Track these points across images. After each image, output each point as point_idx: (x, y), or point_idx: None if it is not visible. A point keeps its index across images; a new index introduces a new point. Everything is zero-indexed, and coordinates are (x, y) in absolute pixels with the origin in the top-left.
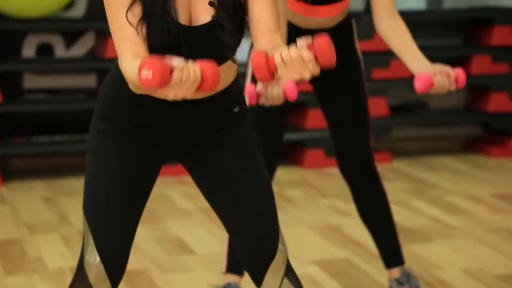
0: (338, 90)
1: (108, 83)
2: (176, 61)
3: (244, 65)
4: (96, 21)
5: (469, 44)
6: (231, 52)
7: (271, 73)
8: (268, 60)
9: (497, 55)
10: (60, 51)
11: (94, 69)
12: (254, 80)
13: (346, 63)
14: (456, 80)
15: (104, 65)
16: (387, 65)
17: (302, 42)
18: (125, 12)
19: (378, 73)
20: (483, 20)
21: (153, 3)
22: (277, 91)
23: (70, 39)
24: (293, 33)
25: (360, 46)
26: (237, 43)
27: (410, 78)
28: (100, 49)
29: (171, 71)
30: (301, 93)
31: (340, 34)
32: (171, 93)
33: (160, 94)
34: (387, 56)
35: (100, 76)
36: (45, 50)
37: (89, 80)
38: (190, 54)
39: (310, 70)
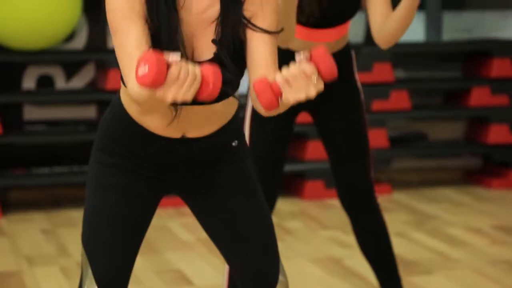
0: (338, 121)
1: (109, 115)
2: (175, 57)
3: (244, 97)
4: (96, 52)
5: (468, 76)
6: (232, 88)
7: (276, 97)
8: (271, 84)
9: (497, 87)
10: (60, 82)
11: (94, 100)
12: (253, 112)
13: (346, 95)
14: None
15: (104, 96)
16: (386, 97)
17: (300, 56)
18: (131, 32)
19: (377, 105)
20: (482, 52)
21: (160, 38)
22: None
23: (71, 70)
24: (291, 60)
25: (359, 77)
26: (239, 79)
27: (410, 109)
28: (100, 80)
29: (169, 66)
30: (300, 125)
31: (340, 65)
32: (170, 94)
33: (160, 96)
34: (386, 87)
35: (100, 107)
36: (45, 81)
37: (89, 112)
38: None
39: (314, 85)
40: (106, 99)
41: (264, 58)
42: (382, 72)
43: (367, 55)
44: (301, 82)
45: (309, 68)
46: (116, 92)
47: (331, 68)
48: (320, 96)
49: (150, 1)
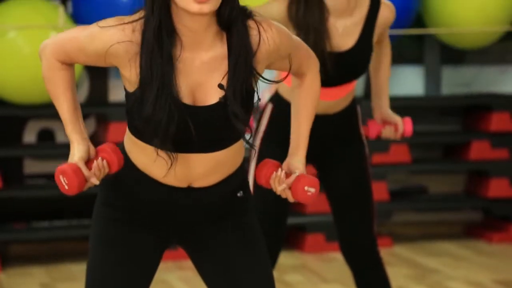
0: (343, 176)
1: None
2: (83, 167)
3: (248, 149)
4: (97, 106)
5: (467, 130)
6: (238, 135)
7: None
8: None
9: (496, 141)
10: (60, 136)
11: None
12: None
13: (351, 149)
14: (404, 132)
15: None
16: (386, 150)
17: (288, 181)
18: (87, 49)
19: (378, 158)
20: (481, 106)
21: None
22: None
23: None
24: None
25: (363, 130)
26: (245, 126)
27: (410, 163)
28: (101, 134)
29: (83, 175)
30: None
31: (346, 120)
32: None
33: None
34: (386, 141)
35: None
36: (46, 135)
37: None
38: (196, 135)
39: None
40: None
41: (295, 65)
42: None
43: (367, 108)
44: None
45: (281, 190)
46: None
47: (303, 200)
48: (325, 149)
49: (145, 53)
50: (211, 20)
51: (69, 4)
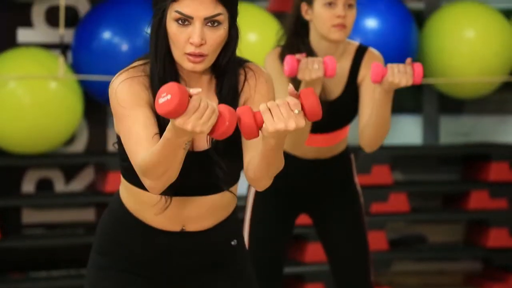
0: (338, 224)
1: (106, 217)
2: (195, 90)
3: (243, 198)
4: (96, 155)
5: (466, 179)
6: (230, 182)
7: (257, 125)
8: (254, 112)
9: (495, 191)
10: (59, 186)
11: (93, 203)
12: (253, 213)
13: (345, 198)
14: (413, 74)
15: (103, 199)
16: (385, 199)
17: (288, 93)
18: (138, 116)
19: (376, 207)
20: (480, 156)
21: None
22: (318, 60)
23: (70, 174)
24: (292, 165)
25: (358, 180)
26: (236, 173)
27: (409, 212)
28: (99, 183)
29: (190, 97)
30: (300, 227)
31: (340, 168)
32: (189, 123)
33: (178, 124)
34: (385, 190)
35: (99, 210)
36: (44, 185)
37: (88, 214)
38: (191, 181)
39: (295, 119)
40: (105, 201)
41: (256, 141)
42: (381, 174)
43: (366, 157)
44: (282, 112)
45: (293, 100)
46: (114, 193)
47: (316, 108)
48: (319, 198)
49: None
50: (206, 69)
51: (69, 55)
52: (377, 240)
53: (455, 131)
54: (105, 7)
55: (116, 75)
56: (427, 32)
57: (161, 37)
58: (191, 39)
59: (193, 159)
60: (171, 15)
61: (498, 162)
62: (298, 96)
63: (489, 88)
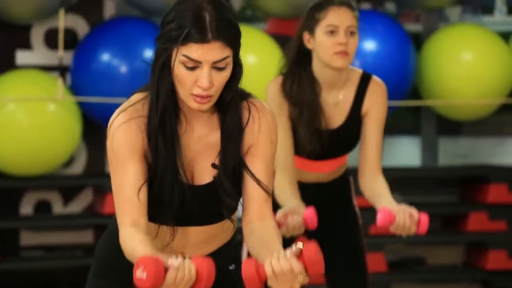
0: (337, 246)
1: (105, 240)
2: (172, 261)
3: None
4: (94, 177)
5: (465, 201)
6: (230, 212)
7: (261, 281)
8: (258, 269)
9: (494, 213)
10: (58, 208)
11: (91, 225)
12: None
13: (344, 220)
14: (418, 224)
15: (102, 221)
16: None
17: (291, 251)
18: (129, 172)
19: (375, 229)
20: (479, 177)
21: (160, 163)
22: (297, 220)
23: (68, 195)
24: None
25: (357, 202)
26: (237, 203)
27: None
28: (97, 205)
29: (166, 270)
30: None
31: (338, 190)
32: None
33: None
34: None
35: (97, 232)
36: (43, 207)
37: (86, 236)
38: (192, 212)
39: (299, 282)
40: (103, 223)
41: (258, 193)
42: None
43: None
44: (287, 277)
45: (297, 267)
46: (113, 215)
47: (319, 269)
48: (319, 220)
49: (153, 133)
50: None
51: (68, 77)
52: (376, 262)
53: (453, 153)
54: (104, 29)
55: (116, 112)
56: (425, 55)
57: (165, 76)
58: (199, 83)
59: (194, 192)
60: (179, 58)
61: (496, 184)
62: (301, 256)
63: (487, 110)
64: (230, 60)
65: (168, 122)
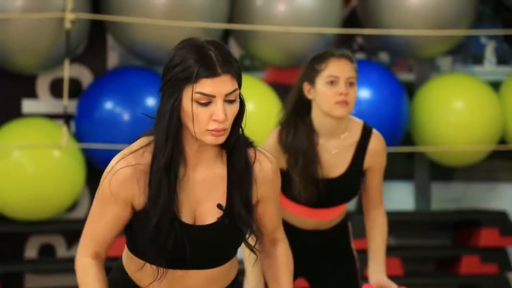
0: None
1: (108, 284)
2: None
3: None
4: None
5: (457, 245)
6: (234, 252)
7: None
8: None
9: (486, 256)
10: (61, 251)
11: None
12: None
13: (342, 263)
14: None
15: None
16: None
17: None
18: (109, 213)
19: None
20: (471, 222)
21: (161, 204)
22: None
23: (72, 239)
24: (291, 233)
25: (355, 244)
26: (240, 243)
27: (402, 276)
28: None
29: None
30: None
31: (337, 235)
32: None
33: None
34: None
35: None
36: (46, 250)
37: None
38: (193, 254)
39: None
40: (106, 266)
41: (271, 221)
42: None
43: (360, 223)
44: None
45: None
46: (118, 258)
47: None
48: (317, 263)
49: (154, 178)
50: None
51: (72, 124)
52: None
53: (446, 197)
54: (107, 79)
55: (116, 158)
56: (418, 103)
57: (174, 119)
58: (215, 116)
59: (196, 232)
60: (191, 96)
61: (488, 228)
62: None
63: (478, 157)
64: (238, 93)
65: (173, 165)
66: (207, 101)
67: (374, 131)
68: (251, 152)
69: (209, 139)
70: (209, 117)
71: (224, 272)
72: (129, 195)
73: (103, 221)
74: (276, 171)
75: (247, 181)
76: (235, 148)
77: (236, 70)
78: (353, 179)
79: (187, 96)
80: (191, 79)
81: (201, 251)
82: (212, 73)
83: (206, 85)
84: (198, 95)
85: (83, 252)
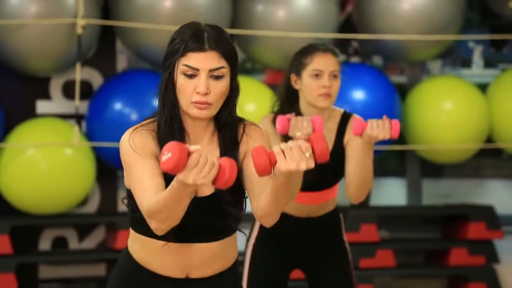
0: (329, 279)
1: (115, 272)
2: (195, 147)
3: (241, 254)
4: (107, 216)
5: (447, 238)
6: (232, 226)
7: (270, 164)
8: (268, 152)
9: (474, 248)
10: (73, 243)
11: (104, 259)
12: (251, 267)
13: (335, 254)
14: (391, 128)
15: (114, 255)
16: (372, 255)
17: (299, 135)
18: (147, 165)
19: (364, 262)
20: (459, 216)
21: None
22: (307, 121)
23: (83, 232)
24: (285, 222)
25: (348, 237)
26: (238, 216)
27: (395, 267)
28: (110, 241)
29: (189, 154)
30: (293, 280)
31: (329, 225)
32: (190, 177)
33: (180, 178)
34: (372, 247)
35: (109, 265)
36: (59, 243)
37: (99, 270)
38: (195, 223)
39: (306, 161)
40: (116, 258)
41: (262, 185)
42: (369, 232)
43: (355, 217)
44: (295, 155)
45: (304, 144)
46: (123, 249)
47: (324, 151)
48: (311, 254)
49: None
50: (209, 123)
51: (84, 124)
52: None
53: (436, 193)
54: (116, 81)
55: (128, 131)
56: (410, 104)
57: (169, 89)
58: (197, 89)
59: (196, 203)
60: (179, 69)
61: (475, 222)
62: (308, 139)
63: (466, 155)
64: (226, 72)
65: (176, 132)
66: (192, 73)
67: (354, 114)
68: (240, 129)
69: (194, 111)
70: (193, 89)
71: (224, 249)
72: (152, 147)
73: (146, 174)
74: (265, 134)
75: (234, 155)
76: (226, 127)
77: (225, 50)
78: (338, 158)
79: (178, 69)
80: (180, 51)
81: (202, 221)
82: (199, 47)
83: (192, 59)
84: (184, 67)
85: (145, 202)
